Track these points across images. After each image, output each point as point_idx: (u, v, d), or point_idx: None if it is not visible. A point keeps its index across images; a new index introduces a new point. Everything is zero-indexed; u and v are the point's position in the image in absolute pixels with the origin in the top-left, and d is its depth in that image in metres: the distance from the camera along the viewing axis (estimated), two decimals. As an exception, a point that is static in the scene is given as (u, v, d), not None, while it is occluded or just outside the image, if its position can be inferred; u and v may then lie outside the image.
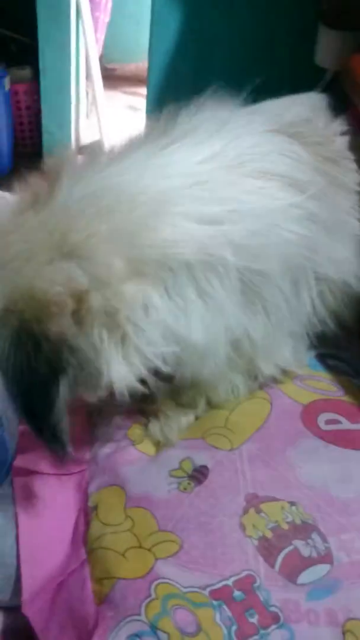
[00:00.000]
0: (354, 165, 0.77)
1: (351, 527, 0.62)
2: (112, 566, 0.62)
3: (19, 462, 0.73)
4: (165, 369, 0.60)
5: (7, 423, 0.76)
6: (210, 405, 0.76)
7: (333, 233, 0.70)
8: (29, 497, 0.70)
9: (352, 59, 0.93)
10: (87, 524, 0.68)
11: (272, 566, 0.61)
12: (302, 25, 1.11)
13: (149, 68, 1.29)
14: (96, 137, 2.31)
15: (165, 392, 0.75)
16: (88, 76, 2.34)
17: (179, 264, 0.57)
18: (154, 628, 0.56)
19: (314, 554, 0.61)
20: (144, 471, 0.70)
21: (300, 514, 0.64)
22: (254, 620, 0.58)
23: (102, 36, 2.47)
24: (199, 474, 0.68)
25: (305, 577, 0.60)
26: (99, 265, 0.54)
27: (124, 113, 2.52)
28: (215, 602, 0.58)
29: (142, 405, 0.78)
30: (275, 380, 0.76)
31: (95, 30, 2.28)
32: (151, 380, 0.61)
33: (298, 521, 0.63)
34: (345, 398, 0.77)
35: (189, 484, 0.67)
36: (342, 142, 0.78)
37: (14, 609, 0.67)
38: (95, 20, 2.22)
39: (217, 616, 0.58)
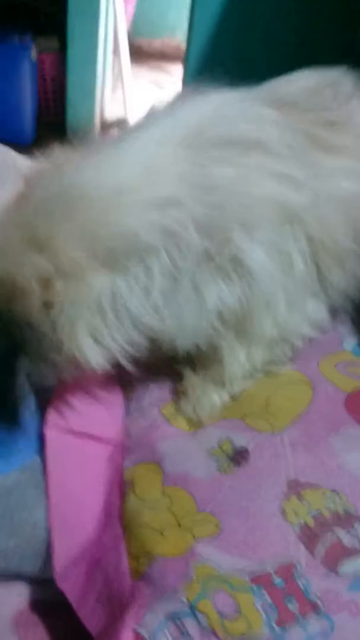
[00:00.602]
0: (357, 130, 0.73)
1: (395, 519, 0.61)
2: (149, 543, 0.60)
3: (54, 420, 0.71)
4: (139, 352, 0.64)
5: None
6: (234, 378, 0.75)
7: (316, 195, 0.66)
8: (61, 463, 0.69)
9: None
10: (122, 498, 0.67)
11: (313, 554, 0.59)
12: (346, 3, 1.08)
13: (189, 44, 1.26)
14: (120, 112, 2.28)
15: (190, 368, 0.76)
16: (115, 50, 2.31)
17: (143, 251, 0.59)
18: (193, 609, 0.55)
19: (357, 545, 0.60)
20: (181, 449, 0.69)
21: (343, 503, 0.62)
22: (294, 608, 0.56)
23: (131, 10, 2.43)
24: (239, 456, 0.67)
25: (347, 567, 0.58)
26: (63, 258, 0.58)
27: (148, 89, 2.49)
28: (255, 587, 0.57)
29: (174, 383, 0.77)
30: (293, 347, 0.75)
31: (125, 3, 2.24)
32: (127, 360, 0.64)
33: (341, 510, 0.62)
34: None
35: (228, 465, 0.66)
36: (353, 108, 0.75)
37: (43, 581, 0.66)
38: (126, -8, 2.18)
39: (257, 601, 0.56)
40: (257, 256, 0.63)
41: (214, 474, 0.65)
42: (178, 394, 0.76)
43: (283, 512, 0.62)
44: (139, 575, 0.59)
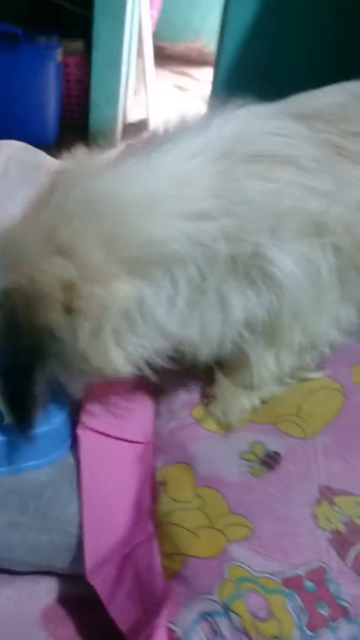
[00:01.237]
0: None
1: None
2: (183, 543, 0.61)
3: (87, 422, 0.72)
4: (163, 361, 0.64)
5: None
6: (263, 384, 0.75)
7: (344, 205, 0.67)
8: (94, 463, 0.69)
9: None
10: (154, 498, 0.67)
11: (344, 560, 0.60)
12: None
13: (220, 47, 1.27)
14: (142, 115, 2.29)
15: (221, 373, 0.76)
16: (139, 53, 2.32)
17: (171, 261, 0.60)
18: (227, 609, 0.56)
19: (388, 552, 0.60)
20: (213, 451, 0.69)
21: (375, 511, 0.63)
22: (324, 612, 0.57)
23: (156, 13, 2.45)
24: (271, 460, 0.67)
25: (377, 574, 0.59)
26: (89, 263, 0.58)
27: (171, 92, 2.50)
28: (287, 590, 0.58)
29: (204, 386, 0.78)
30: (322, 353, 0.75)
31: (150, 7, 2.26)
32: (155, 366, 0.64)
33: (372, 518, 0.62)
34: None
35: (260, 469, 0.66)
36: None
37: (72, 577, 0.67)
38: (151, -4, 2.19)
39: (289, 604, 0.57)
40: (285, 266, 0.63)
41: (245, 476, 0.66)
42: (208, 397, 0.77)
43: (315, 517, 0.62)
44: (172, 574, 0.60)
